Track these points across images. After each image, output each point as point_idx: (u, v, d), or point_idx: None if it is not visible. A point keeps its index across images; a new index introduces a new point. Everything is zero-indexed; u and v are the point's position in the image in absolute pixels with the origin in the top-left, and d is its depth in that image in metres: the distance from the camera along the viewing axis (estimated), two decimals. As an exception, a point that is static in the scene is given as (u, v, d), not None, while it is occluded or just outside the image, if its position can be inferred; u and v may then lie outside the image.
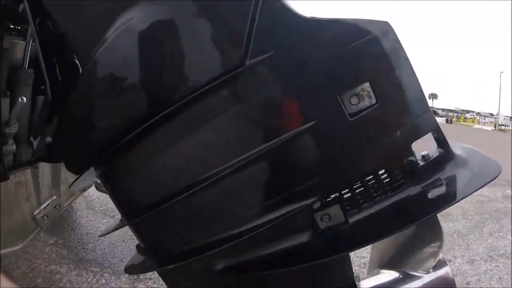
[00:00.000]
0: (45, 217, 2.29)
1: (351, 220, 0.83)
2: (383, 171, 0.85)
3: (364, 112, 0.78)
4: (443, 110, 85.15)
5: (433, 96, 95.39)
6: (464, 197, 0.83)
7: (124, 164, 0.84)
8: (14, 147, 1.40)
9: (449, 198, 0.84)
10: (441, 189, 0.84)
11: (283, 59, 0.75)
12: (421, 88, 0.85)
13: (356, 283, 0.98)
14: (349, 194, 0.85)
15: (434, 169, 0.87)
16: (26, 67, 1.28)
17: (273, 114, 0.79)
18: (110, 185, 0.92)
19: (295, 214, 0.79)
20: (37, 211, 2.25)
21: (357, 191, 0.85)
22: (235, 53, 0.73)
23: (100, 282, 2.89)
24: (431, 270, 0.97)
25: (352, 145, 0.82)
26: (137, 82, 0.78)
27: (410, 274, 0.98)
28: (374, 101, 0.79)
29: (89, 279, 2.93)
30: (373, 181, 0.84)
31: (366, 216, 0.84)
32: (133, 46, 0.75)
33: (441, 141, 0.89)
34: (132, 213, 0.89)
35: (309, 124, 0.76)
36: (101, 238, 3.63)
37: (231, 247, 0.81)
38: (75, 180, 0.94)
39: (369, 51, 0.80)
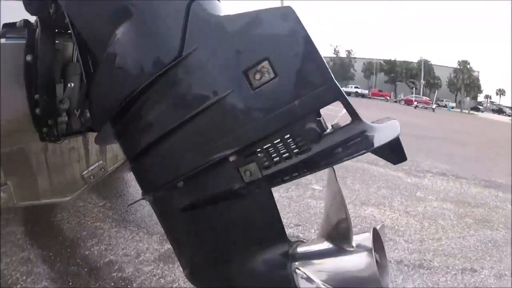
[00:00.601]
0: (92, 177, 2.76)
1: (265, 173, 1.04)
2: (289, 135, 1.01)
3: (263, 85, 0.99)
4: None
5: (501, 92, 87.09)
6: (357, 155, 0.98)
7: (124, 122, 1.19)
8: (66, 118, 1.86)
9: (345, 155, 0.99)
10: (341, 150, 0.99)
11: (205, 49, 1.03)
12: (321, 62, 0.99)
13: (300, 248, 1.19)
14: (261, 154, 1.04)
15: (340, 135, 1.00)
16: (75, 61, 1.72)
17: (201, 88, 1.05)
18: (119, 139, 1.30)
19: (222, 164, 1.05)
20: (85, 172, 2.72)
21: (270, 151, 1.04)
22: (176, 47, 1.04)
23: (134, 239, 3.41)
24: (354, 246, 1.11)
25: (256, 112, 1.02)
26: (126, 68, 1.14)
27: (341, 248, 1.13)
28: (272, 75, 0.98)
29: (126, 236, 3.47)
30: (281, 144, 1.02)
31: (278, 170, 1.04)
32: (122, 50, 1.12)
33: (348, 110, 0.99)
34: (130, 158, 1.26)
35: (224, 94, 1.01)
36: (143, 204, 4.12)
37: (185, 187, 1.11)
38: (97, 135, 1.35)
39: (265, 34, 1.00)
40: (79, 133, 2.17)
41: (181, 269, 1.41)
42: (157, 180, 1.20)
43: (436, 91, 55.40)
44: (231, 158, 1.05)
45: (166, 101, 1.10)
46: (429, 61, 61.21)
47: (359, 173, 6.22)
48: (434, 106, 42.24)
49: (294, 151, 1.02)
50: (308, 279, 1.07)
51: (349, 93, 53.27)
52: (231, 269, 1.20)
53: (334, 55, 66.66)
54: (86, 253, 3.19)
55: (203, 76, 1.05)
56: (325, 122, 1.07)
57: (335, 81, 0.99)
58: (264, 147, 1.03)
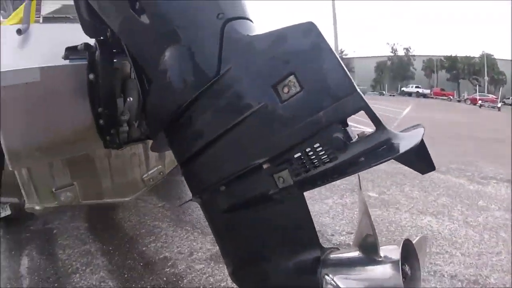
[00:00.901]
0: (151, 180, 2.93)
1: (296, 179, 1.08)
2: (317, 144, 1.03)
3: (291, 98, 1.03)
4: None
5: None
6: (382, 162, 0.99)
7: (174, 132, 1.31)
8: (127, 128, 2.00)
9: (370, 162, 1.00)
10: (367, 158, 1.00)
11: (238, 67, 1.11)
12: (344, 73, 1.01)
13: (332, 254, 1.21)
14: (292, 162, 1.08)
15: (365, 143, 1.01)
16: (132, 77, 1.85)
17: (236, 103, 1.13)
18: (171, 147, 1.41)
19: (258, 171, 1.12)
20: (145, 175, 2.88)
21: (300, 159, 1.07)
22: (214, 66, 1.13)
23: (189, 238, 3.59)
24: (382, 256, 1.11)
25: (284, 124, 1.07)
26: (173, 86, 1.25)
27: (369, 258, 1.14)
28: (298, 89, 1.02)
29: (181, 235, 3.66)
30: (310, 152, 1.06)
31: (307, 177, 1.08)
32: (170, 70, 1.23)
33: (373, 120, 0.99)
34: (180, 163, 1.37)
35: (256, 108, 1.08)
36: (199, 205, 4.32)
37: (227, 191, 1.19)
38: (152, 143, 1.46)
39: (290, 51, 1.05)
40: (139, 140, 2.32)
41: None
42: (202, 184, 1.30)
43: (501, 88, 49.97)
44: (265, 166, 1.11)
45: (208, 115, 1.19)
46: (492, 55, 55.13)
47: (418, 180, 5.86)
48: (499, 104, 38.43)
49: (322, 159, 1.05)
50: (336, 286, 1.10)
51: (410, 93, 49.89)
52: (266, 270, 1.26)
53: (392, 54, 62.90)
54: (143, 249, 3.41)
55: (237, 91, 1.13)
56: (351, 131, 1.08)
57: (358, 91, 0.99)
58: (295, 156, 1.08)
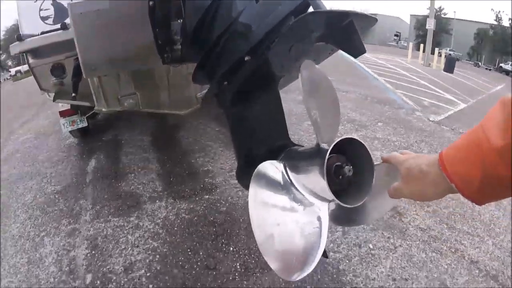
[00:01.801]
0: (202, 98, 3.24)
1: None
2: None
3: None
4: None
5: None
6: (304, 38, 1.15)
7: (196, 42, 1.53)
8: (179, 47, 2.27)
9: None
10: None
11: None
12: None
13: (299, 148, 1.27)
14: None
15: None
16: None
17: (230, 7, 1.31)
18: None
19: (244, 63, 1.26)
20: (199, 94, 3.19)
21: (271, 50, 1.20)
22: None
23: (233, 157, 3.72)
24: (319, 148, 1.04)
25: (258, 19, 1.25)
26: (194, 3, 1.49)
27: (316, 150, 1.07)
28: None
29: (227, 154, 3.98)
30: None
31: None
32: None
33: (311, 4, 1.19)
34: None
35: (242, 9, 1.27)
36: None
37: (228, 85, 1.36)
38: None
39: None
40: (191, 60, 2.58)
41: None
42: (212, 80, 1.49)
43: None
44: (246, 58, 1.26)
45: (214, 22, 1.39)
46: None
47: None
48: None
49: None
50: (285, 173, 1.15)
51: (507, 72, 42.95)
52: (250, 166, 1.39)
53: (496, 23, 53.63)
54: (192, 161, 3.81)
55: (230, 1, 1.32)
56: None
57: None
58: (269, 47, 1.20)
